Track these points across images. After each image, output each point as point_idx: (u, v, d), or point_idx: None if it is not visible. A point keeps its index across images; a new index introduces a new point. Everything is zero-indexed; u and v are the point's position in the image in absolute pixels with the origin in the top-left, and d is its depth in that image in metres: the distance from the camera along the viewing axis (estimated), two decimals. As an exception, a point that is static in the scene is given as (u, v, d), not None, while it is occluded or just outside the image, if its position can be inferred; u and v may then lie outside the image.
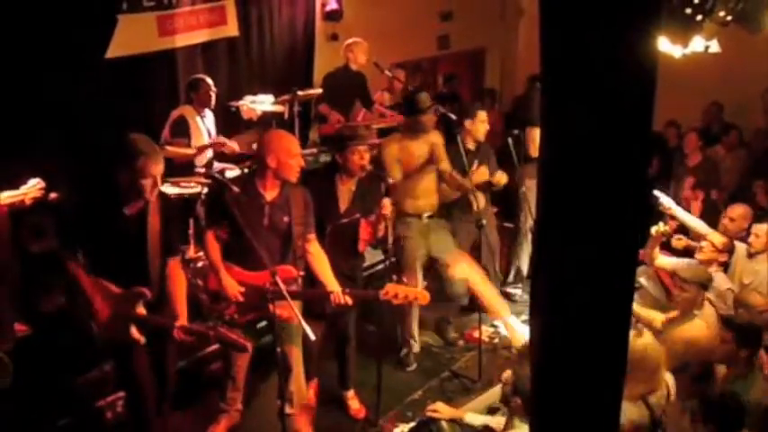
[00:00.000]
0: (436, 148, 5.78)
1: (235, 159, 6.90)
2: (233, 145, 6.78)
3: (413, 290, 4.69)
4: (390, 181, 5.14)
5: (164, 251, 4.26)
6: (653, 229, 5.71)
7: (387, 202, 4.90)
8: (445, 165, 5.81)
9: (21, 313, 5.47)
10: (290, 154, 4.48)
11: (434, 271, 6.05)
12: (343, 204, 5.04)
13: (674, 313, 5.03)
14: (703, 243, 5.62)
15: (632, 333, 4.54)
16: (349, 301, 4.50)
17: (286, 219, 4.53)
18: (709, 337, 4.74)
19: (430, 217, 5.86)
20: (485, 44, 11.63)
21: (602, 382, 2.44)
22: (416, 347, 6.06)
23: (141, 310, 4.13)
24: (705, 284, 5.02)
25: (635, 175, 2.28)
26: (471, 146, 6.22)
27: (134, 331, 4.13)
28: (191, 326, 4.15)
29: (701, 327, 4.85)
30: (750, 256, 5.73)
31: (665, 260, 5.88)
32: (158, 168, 4.07)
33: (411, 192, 5.72)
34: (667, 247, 6.21)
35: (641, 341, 4.13)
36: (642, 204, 2.50)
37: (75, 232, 4.19)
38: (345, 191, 5.06)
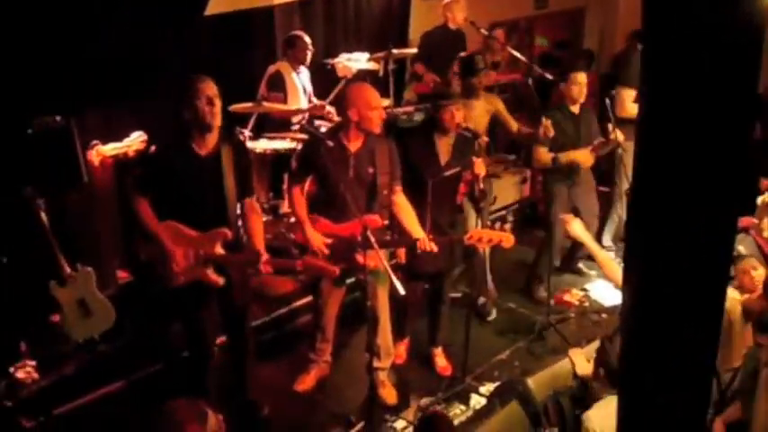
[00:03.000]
0: (498, 114, 5.90)
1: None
2: (332, 111, 6.83)
3: (497, 233, 4.71)
4: (485, 139, 5.14)
5: (240, 192, 4.33)
6: (759, 199, 5.53)
7: (480, 161, 4.90)
8: (513, 124, 5.99)
9: (123, 260, 5.73)
10: (371, 106, 4.53)
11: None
12: (444, 158, 5.07)
13: None
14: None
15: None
16: (434, 247, 4.54)
17: (371, 170, 4.60)
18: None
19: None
20: (584, 3, 11.32)
21: (695, 351, 2.40)
22: (493, 294, 6.08)
23: (221, 250, 4.23)
24: None
25: (737, 138, 2.21)
26: (575, 109, 6.14)
27: (211, 273, 4.23)
28: (276, 259, 4.23)
29: None
30: None
31: None
32: (210, 89, 4.10)
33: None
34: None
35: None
36: (744, 169, 2.42)
37: (153, 177, 4.23)
38: (444, 145, 5.09)
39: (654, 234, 2.32)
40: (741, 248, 5.95)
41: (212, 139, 4.20)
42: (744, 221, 5.77)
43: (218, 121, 4.16)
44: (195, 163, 4.18)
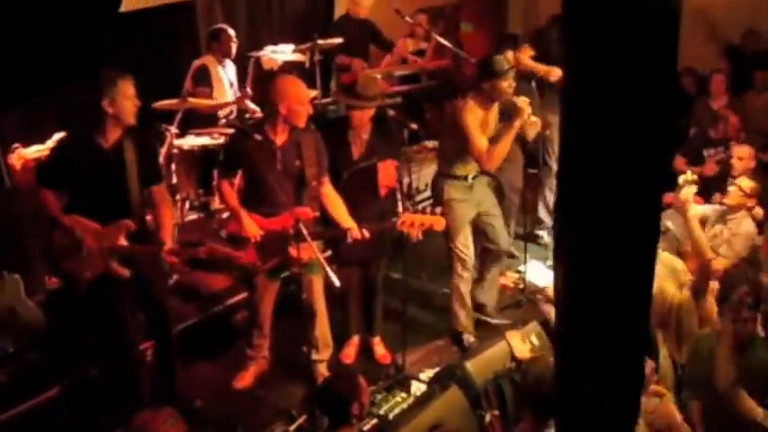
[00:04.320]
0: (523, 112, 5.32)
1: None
2: (255, 108, 6.73)
3: (429, 217, 4.71)
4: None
5: (144, 180, 4.30)
6: (681, 179, 5.66)
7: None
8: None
9: (50, 266, 5.57)
10: (300, 101, 4.51)
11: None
12: (357, 151, 5.04)
13: None
14: (731, 188, 5.56)
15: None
16: (366, 234, 4.56)
17: (298, 162, 4.58)
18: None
19: (474, 177, 5.53)
20: (508, -13, 11.44)
21: (626, 326, 2.43)
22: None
23: (124, 241, 4.17)
24: None
25: (660, 114, 2.24)
26: None
27: (116, 265, 4.17)
28: (179, 247, 4.22)
29: None
30: None
31: (696, 208, 5.83)
32: (132, 87, 4.15)
33: (465, 156, 5.35)
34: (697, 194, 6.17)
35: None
36: (667, 146, 2.47)
37: (57, 172, 4.23)
38: (358, 137, 5.04)
39: (581, 214, 2.35)
40: (669, 224, 6.12)
41: (118, 131, 4.20)
42: (667, 198, 5.92)
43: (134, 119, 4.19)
44: (99, 155, 4.17)
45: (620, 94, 2.15)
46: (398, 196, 5.36)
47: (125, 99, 4.12)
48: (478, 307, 5.83)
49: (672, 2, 2.11)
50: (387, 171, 5.10)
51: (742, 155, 6.00)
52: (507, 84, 5.18)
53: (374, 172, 5.06)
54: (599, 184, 2.26)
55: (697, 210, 5.74)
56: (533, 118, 5.42)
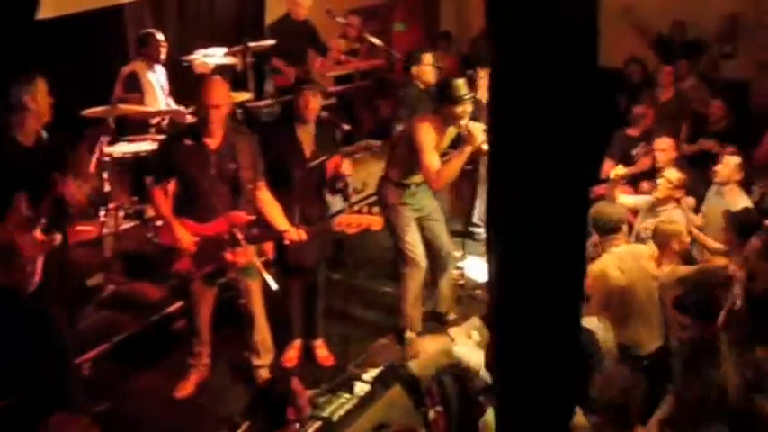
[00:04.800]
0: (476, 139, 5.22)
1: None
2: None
3: (366, 217, 4.71)
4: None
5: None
6: (611, 173, 5.78)
7: (347, 162, 4.91)
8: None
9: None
10: (210, 104, 4.42)
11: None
12: (308, 149, 5.01)
13: None
14: (659, 180, 5.66)
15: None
16: (303, 236, 4.54)
17: (232, 165, 4.51)
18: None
19: (419, 185, 5.51)
20: (439, -13, 11.53)
21: (559, 315, 2.47)
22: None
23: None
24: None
25: (583, 109, 2.28)
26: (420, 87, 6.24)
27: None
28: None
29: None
30: (717, 193, 5.84)
31: (626, 199, 5.96)
32: (46, 88, 4.20)
33: (415, 169, 5.31)
34: (629, 184, 6.32)
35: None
36: (595, 139, 2.51)
37: None
38: (306, 135, 5.02)
39: (511, 209, 2.37)
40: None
41: (36, 126, 4.21)
42: (598, 190, 6.05)
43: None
44: (17, 151, 4.14)
45: (543, 90, 2.18)
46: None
47: (43, 96, 4.15)
48: (437, 316, 5.85)
49: (590, 5, 2.16)
50: (335, 167, 5.10)
51: (663, 146, 6.14)
52: (463, 109, 5.18)
53: (324, 170, 5.04)
54: (527, 180, 2.29)
55: (627, 200, 5.88)
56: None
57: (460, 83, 5.20)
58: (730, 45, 9.32)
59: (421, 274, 5.52)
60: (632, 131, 7.16)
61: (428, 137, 5.18)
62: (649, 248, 5.06)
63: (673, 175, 5.66)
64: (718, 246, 5.38)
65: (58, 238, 4.24)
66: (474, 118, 5.28)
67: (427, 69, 6.17)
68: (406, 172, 5.38)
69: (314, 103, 4.93)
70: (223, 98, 4.48)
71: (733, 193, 5.77)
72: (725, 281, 4.68)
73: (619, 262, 4.82)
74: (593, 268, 4.78)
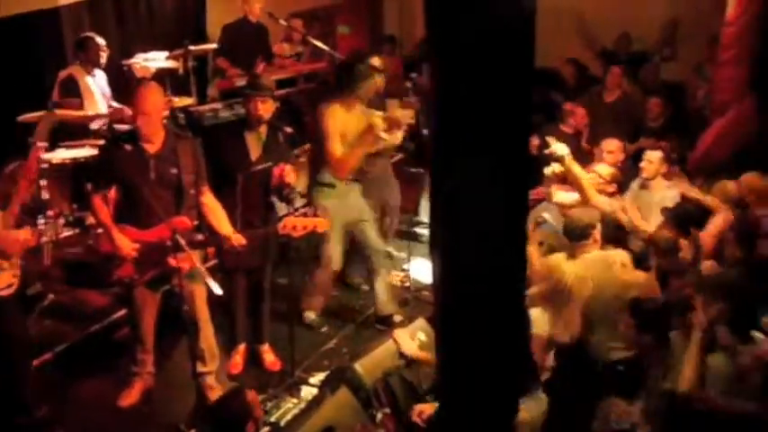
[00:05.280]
0: (376, 128, 5.37)
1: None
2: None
3: (311, 219, 4.73)
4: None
5: None
6: (547, 170, 5.84)
7: (290, 169, 4.90)
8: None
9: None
10: (148, 107, 4.38)
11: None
12: (254, 154, 4.98)
13: None
14: (591, 175, 5.68)
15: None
16: (243, 240, 4.52)
17: (174, 170, 4.47)
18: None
19: (347, 184, 5.59)
20: (382, -11, 11.56)
21: (502, 312, 2.50)
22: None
23: None
24: None
25: (520, 106, 2.31)
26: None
27: None
28: None
29: None
30: (642, 187, 5.94)
31: (562, 195, 6.02)
32: None
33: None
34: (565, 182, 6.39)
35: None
36: (528, 137, 2.55)
37: None
38: (254, 140, 4.99)
39: (453, 213, 2.40)
40: (546, 215, 6.28)
41: None
42: (536, 193, 6.13)
43: None
44: None
45: (482, 89, 2.21)
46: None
47: None
48: (383, 320, 5.87)
49: (526, 9, 2.19)
50: (280, 174, 5.05)
51: (611, 148, 6.18)
52: (368, 86, 5.28)
53: (269, 175, 5.00)
54: (468, 177, 2.32)
55: (562, 197, 5.94)
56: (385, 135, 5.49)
57: (363, 61, 5.37)
58: (669, 49, 9.55)
59: (328, 274, 5.72)
60: (566, 128, 7.29)
61: (332, 122, 5.29)
62: (621, 254, 5.09)
63: (604, 170, 5.70)
64: (648, 228, 5.50)
65: None
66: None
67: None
68: (324, 168, 5.44)
69: (264, 109, 4.90)
70: (157, 104, 4.43)
71: (660, 186, 5.90)
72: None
73: (587, 270, 4.83)
74: (548, 260, 4.81)
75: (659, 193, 5.80)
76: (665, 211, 5.37)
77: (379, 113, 5.30)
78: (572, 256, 4.98)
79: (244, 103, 4.98)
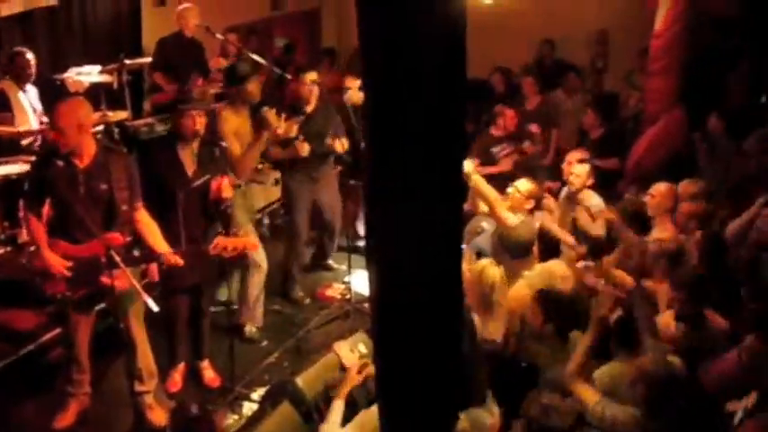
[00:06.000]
0: (269, 123, 5.47)
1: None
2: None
3: (241, 240, 4.71)
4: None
5: None
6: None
7: (227, 184, 4.90)
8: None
9: None
10: (59, 123, 4.29)
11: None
12: (190, 168, 4.93)
13: None
14: (510, 190, 5.67)
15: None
16: (179, 261, 4.46)
17: (104, 186, 4.40)
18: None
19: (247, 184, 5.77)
20: (319, 3, 11.56)
21: (439, 322, 2.51)
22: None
23: None
24: None
25: (454, 118, 2.34)
26: (308, 108, 6.15)
27: None
28: None
29: None
30: (569, 199, 6.07)
31: (484, 206, 6.08)
32: None
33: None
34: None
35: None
36: (464, 147, 2.58)
37: None
38: (188, 155, 4.93)
39: (388, 225, 2.41)
40: (484, 224, 6.35)
41: None
42: (470, 204, 6.17)
43: None
44: None
45: (414, 102, 2.23)
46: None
47: None
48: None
49: (457, 27, 2.22)
50: (217, 189, 5.00)
51: (580, 173, 6.10)
52: (253, 86, 5.47)
53: (207, 190, 4.96)
54: (402, 191, 2.33)
55: (484, 208, 5.98)
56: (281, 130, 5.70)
57: (244, 63, 5.64)
58: (601, 60, 9.75)
59: (261, 278, 5.77)
60: (496, 131, 7.44)
61: (228, 125, 5.41)
62: (562, 266, 5.16)
63: (523, 185, 5.64)
64: (572, 241, 5.71)
65: None
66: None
67: (305, 88, 6.11)
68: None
69: (196, 123, 4.85)
70: (74, 120, 4.30)
71: (589, 197, 6.04)
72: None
73: (530, 285, 4.87)
74: (475, 266, 4.83)
75: (587, 205, 5.97)
76: (619, 207, 5.55)
77: (272, 110, 5.45)
78: (513, 272, 5.04)
79: (176, 117, 4.92)
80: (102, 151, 4.45)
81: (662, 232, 5.41)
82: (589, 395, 3.90)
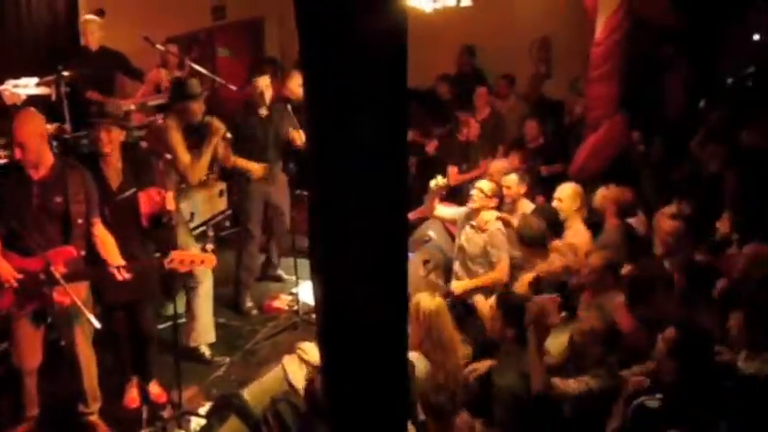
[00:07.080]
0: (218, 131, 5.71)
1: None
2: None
3: (199, 255, 4.71)
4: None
5: None
6: (432, 183, 5.92)
7: (170, 196, 4.86)
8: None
9: None
10: (20, 137, 4.25)
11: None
12: (115, 182, 4.83)
13: None
14: (473, 191, 5.84)
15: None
16: (127, 275, 4.38)
17: (59, 199, 4.33)
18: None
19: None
20: (262, 13, 11.47)
21: (383, 335, 2.50)
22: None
23: None
24: None
25: (396, 127, 2.34)
26: (263, 112, 6.28)
27: None
28: None
29: None
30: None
31: (443, 210, 6.12)
32: None
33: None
34: (448, 198, 6.53)
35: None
36: (405, 157, 2.58)
37: None
38: (110, 169, 4.82)
39: (333, 234, 2.40)
40: (431, 233, 6.38)
41: None
42: (417, 213, 6.22)
43: None
44: None
45: (357, 113, 2.23)
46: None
47: None
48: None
49: (397, 17, 2.22)
50: (149, 200, 4.91)
51: (510, 184, 6.22)
52: (198, 105, 5.61)
53: (135, 203, 4.86)
54: (346, 199, 2.32)
55: (444, 212, 6.05)
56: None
57: (194, 81, 5.77)
58: (544, 66, 9.83)
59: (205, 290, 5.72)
60: (460, 136, 7.73)
61: (176, 135, 5.54)
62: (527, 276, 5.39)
63: (485, 185, 5.82)
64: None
65: None
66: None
67: (258, 93, 6.19)
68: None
69: (109, 137, 4.73)
70: (33, 132, 4.27)
71: (523, 205, 6.22)
72: None
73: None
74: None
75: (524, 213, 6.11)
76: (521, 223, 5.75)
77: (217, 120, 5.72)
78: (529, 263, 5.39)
79: (91, 131, 4.90)
80: (60, 164, 4.39)
81: (575, 234, 5.73)
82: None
